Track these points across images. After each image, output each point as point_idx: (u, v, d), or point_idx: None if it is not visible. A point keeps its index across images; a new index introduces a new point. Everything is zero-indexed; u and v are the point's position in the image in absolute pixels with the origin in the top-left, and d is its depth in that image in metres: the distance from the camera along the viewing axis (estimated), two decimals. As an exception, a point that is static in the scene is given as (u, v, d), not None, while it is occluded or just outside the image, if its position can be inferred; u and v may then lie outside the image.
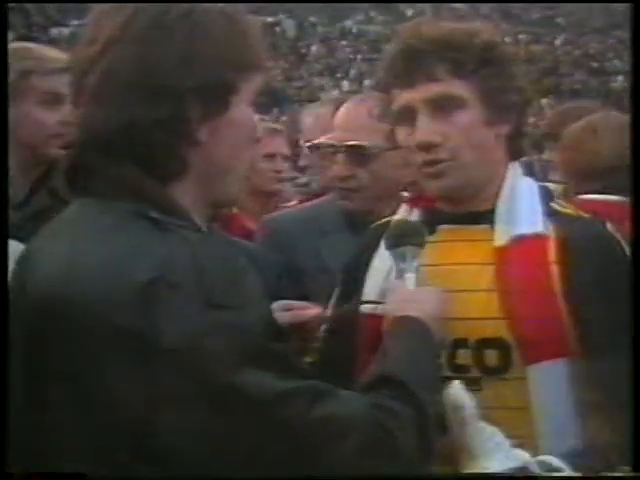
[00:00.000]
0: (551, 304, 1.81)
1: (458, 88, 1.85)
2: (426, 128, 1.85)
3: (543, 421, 1.79)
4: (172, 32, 1.49)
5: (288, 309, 1.92)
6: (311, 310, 1.90)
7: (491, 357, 1.83)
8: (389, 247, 1.86)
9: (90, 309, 1.40)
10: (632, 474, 1.71)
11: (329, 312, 1.94)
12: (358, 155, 2.53)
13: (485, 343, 1.83)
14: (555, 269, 1.83)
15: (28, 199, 2.62)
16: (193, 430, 1.37)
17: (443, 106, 1.85)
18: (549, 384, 1.79)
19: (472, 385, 1.81)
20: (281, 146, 4.00)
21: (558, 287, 1.82)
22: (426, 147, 1.86)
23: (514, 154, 1.95)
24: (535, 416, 1.79)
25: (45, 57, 2.65)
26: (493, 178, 1.91)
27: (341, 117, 2.62)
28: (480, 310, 1.83)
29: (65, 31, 25.07)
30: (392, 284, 1.82)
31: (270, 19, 34.55)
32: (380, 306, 1.84)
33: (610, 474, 1.74)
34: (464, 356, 1.84)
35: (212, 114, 1.50)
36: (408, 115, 1.88)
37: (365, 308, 1.93)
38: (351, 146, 2.53)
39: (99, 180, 1.50)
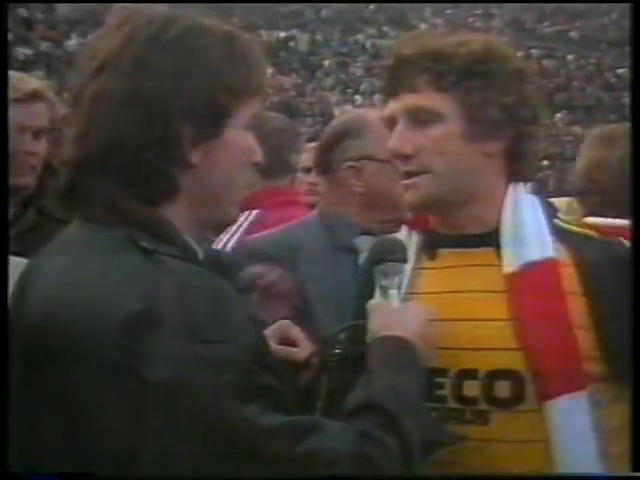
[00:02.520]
0: (568, 334, 1.74)
1: (437, 100, 1.79)
2: (399, 137, 1.81)
3: (562, 454, 1.72)
4: (166, 54, 1.49)
5: (285, 335, 1.87)
6: (304, 350, 1.85)
7: (503, 389, 1.75)
8: (372, 265, 1.82)
9: (77, 339, 1.41)
10: (632, 474, 1.69)
11: (322, 347, 1.87)
12: None
13: (497, 375, 1.75)
14: (573, 297, 1.76)
15: (16, 218, 2.65)
16: (176, 463, 1.37)
17: (420, 118, 1.80)
18: (569, 418, 1.72)
19: (479, 418, 1.76)
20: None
21: (577, 316, 1.74)
22: (396, 156, 1.83)
23: (512, 176, 1.85)
24: (554, 450, 1.72)
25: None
26: (482, 197, 1.83)
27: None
28: (491, 340, 1.76)
29: (81, 42, 25.04)
30: (376, 302, 1.77)
31: (283, 34, 34.72)
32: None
33: (610, 474, 1.73)
34: (472, 388, 1.77)
35: (204, 137, 1.50)
36: (392, 124, 1.85)
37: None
38: None
39: (92, 201, 1.50)
